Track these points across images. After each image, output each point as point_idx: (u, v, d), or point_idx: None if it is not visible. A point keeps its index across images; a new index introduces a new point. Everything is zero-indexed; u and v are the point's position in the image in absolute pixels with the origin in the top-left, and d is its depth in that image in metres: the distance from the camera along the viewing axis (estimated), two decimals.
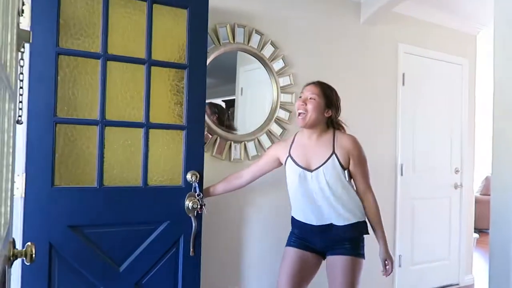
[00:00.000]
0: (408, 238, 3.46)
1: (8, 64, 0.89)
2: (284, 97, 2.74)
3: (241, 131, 2.65)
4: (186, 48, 2.04)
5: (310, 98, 1.98)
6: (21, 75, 1.05)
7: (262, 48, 2.65)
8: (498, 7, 1.99)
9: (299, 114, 1.99)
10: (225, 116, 2.64)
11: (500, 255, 1.99)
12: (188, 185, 2.01)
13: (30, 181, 1.71)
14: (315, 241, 2.02)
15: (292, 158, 2.03)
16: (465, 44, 3.79)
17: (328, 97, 2.00)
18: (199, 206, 1.97)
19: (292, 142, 2.09)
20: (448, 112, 3.70)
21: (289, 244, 2.09)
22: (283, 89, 2.74)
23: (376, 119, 3.25)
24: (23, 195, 1.72)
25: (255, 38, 2.63)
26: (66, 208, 1.78)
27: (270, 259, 2.62)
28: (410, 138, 3.46)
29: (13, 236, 1.74)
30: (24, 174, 1.72)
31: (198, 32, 2.06)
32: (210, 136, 2.48)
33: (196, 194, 1.99)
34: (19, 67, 1.04)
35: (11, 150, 0.92)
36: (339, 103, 2.06)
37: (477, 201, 4.22)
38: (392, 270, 2.04)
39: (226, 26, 2.50)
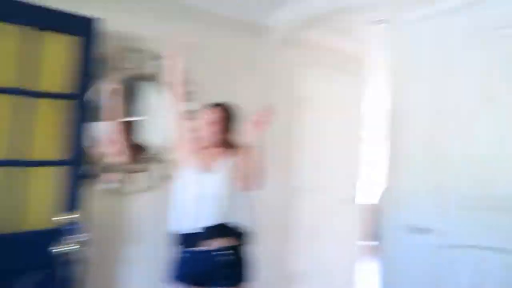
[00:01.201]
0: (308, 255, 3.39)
1: None
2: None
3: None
4: (73, 77, 1.87)
5: (213, 122, 2.00)
6: None
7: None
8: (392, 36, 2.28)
9: (199, 137, 2.02)
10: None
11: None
12: (63, 227, 1.73)
13: None
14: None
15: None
16: (356, 64, 3.79)
17: (227, 119, 2.04)
18: (75, 250, 1.69)
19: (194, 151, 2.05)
20: (344, 129, 3.75)
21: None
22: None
23: (279, 142, 3.13)
24: None
25: (153, 62, 2.46)
26: None
27: None
28: (308, 156, 3.43)
29: None
30: None
31: (84, 61, 1.89)
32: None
33: (73, 236, 1.70)
34: None
35: None
36: (237, 122, 2.07)
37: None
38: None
39: (121, 51, 2.34)
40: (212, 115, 2.01)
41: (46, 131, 1.83)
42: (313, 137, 3.50)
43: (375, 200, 3.96)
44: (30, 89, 1.78)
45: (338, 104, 3.70)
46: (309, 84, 3.47)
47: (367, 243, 4.10)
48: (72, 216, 1.74)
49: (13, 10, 1.71)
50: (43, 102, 1.83)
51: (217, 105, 2.06)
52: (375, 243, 4.00)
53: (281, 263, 3.19)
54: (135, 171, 2.39)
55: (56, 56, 1.87)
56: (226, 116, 2.04)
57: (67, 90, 1.85)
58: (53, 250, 1.68)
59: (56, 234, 1.71)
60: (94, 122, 2.12)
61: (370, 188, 4.26)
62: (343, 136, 3.75)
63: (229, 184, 1.92)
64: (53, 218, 1.71)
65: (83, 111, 1.88)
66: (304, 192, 3.39)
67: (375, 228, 3.81)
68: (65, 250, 1.69)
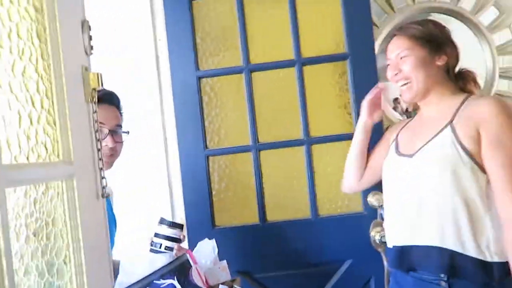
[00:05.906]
0: None
1: (58, 132, 0.67)
2: (505, 61, 1.92)
3: None
4: (344, 33, 1.56)
5: (402, 57, 1.20)
6: (97, 134, 0.83)
7: (458, 1, 1.91)
8: None
9: (402, 85, 1.22)
10: None
11: None
12: (371, 211, 1.53)
13: (191, 225, 1.57)
14: None
15: (396, 141, 1.27)
16: None
17: (430, 38, 1.20)
18: None
19: (408, 122, 1.33)
20: None
21: None
22: (502, 49, 1.92)
23: None
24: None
25: None
26: (231, 251, 1.56)
27: None
28: None
29: None
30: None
31: (356, 8, 1.55)
32: None
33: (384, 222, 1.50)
34: (93, 123, 0.81)
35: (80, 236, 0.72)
36: (452, 41, 1.22)
37: None
38: None
39: None
40: (394, 52, 1.26)
41: (322, 103, 1.61)
42: None
43: None
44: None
45: None
46: None
47: None
48: (381, 198, 1.51)
49: None
50: (314, 70, 1.59)
51: (395, 34, 1.29)
52: None
53: None
54: None
55: (316, 14, 1.59)
56: (419, 37, 1.25)
57: (337, 50, 1.57)
58: (370, 236, 1.51)
59: (369, 217, 1.53)
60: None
61: None
62: None
63: (446, 170, 1.12)
64: (367, 200, 1.53)
65: (365, 70, 1.55)
66: None
67: None
68: (377, 237, 1.49)
